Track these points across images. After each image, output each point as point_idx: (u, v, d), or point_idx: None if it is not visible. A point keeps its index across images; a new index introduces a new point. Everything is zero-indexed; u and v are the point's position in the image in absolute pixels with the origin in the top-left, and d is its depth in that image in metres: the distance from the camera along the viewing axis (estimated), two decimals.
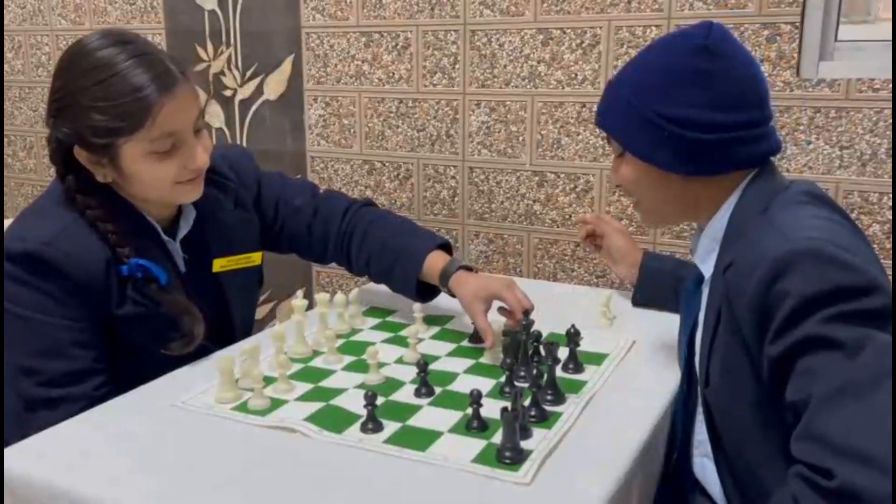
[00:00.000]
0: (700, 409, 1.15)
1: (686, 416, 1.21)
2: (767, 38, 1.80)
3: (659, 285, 1.55)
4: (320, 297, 1.48)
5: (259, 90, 2.45)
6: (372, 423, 1.11)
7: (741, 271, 0.99)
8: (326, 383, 1.28)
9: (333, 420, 1.14)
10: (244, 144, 2.49)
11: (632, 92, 1.11)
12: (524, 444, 1.04)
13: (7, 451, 1.07)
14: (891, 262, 1.75)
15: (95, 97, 1.20)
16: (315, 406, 1.18)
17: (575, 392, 1.21)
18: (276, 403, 1.20)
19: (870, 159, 1.76)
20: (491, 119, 2.12)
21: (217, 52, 2.49)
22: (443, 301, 1.52)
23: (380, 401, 1.16)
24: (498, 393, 1.22)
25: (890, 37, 1.74)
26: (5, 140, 2.98)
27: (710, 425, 1.12)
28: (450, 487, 0.98)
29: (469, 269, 1.45)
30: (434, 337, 1.47)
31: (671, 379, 1.26)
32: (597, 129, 1.24)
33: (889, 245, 1.77)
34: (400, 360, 1.36)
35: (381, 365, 1.30)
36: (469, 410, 1.11)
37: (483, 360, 1.36)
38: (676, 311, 1.32)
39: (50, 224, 1.25)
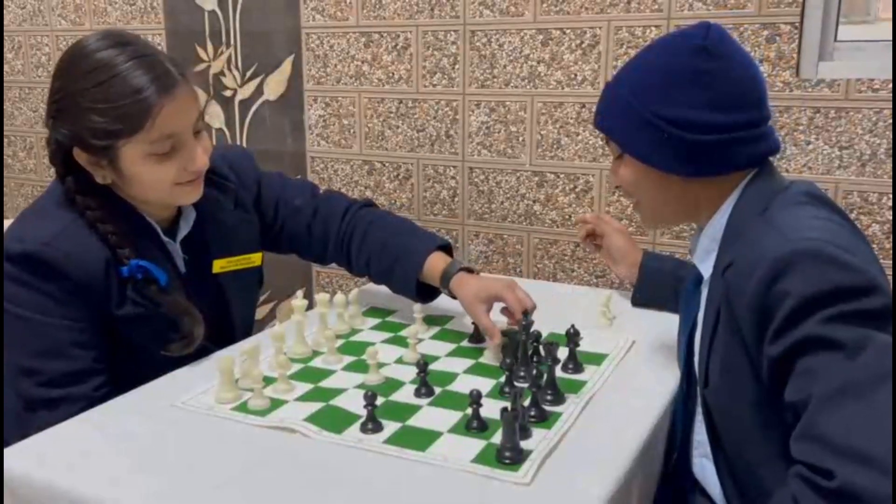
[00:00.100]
0: (699, 410, 1.15)
1: (686, 417, 1.21)
2: (767, 39, 1.80)
3: (659, 285, 1.55)
4: (320, 297, 1.48)
5: (259, 90, 2.45)
6: (372, 424, 1.11)
7: (741, 271, 0.99)
8: (326, 383, 1.28)
9: (333, 420, 1.14)
10: (244, 145, 2.49)
11: (630, 93, 1.11)
12: (524, 445, 1.04)
13: (7, 452, 1.07)
14: (891, 262, 1.75)
15: (95, 99, 1.20)
16: (315, 406, 1.19)
17: (575, 392, 1.22)
18: (276, 404, 1.20)
19: (869, 159, 1.76)
20: (491, 119, 2.12)
21: (217, 52, 2.49)
22: (442, 301, 1.52)
23: (379, 401, 1.16)
24: (498, 393, 1.22)
25: (890, 37, 1.74)
26: (5, 140, 2.98)
27: (709, 425, 1.12)
28: (449, 487, 0.98)
29: (470, 270, 1.45)
30: (434, 337, 1.47)
31: (671, 379, 1.26)
32: (596, 130, 1.24)
33: (889, 245, 1.77)
34: (400, 361, 1.36)
35: (380, 365, 1.30)
36: (469, 410, 1.11)
37: (483, 360, 1.36)
38: (676, 312, 1.32)
39: (49, 224, 1.25)
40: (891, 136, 1.73)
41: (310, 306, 1.54)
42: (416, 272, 1.47)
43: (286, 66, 2.38)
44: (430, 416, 1.16)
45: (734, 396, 1.05)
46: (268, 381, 1.25)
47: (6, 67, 2.91)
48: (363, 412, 1.12)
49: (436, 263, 1.46)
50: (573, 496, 0.97)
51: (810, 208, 1.03)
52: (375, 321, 1.56)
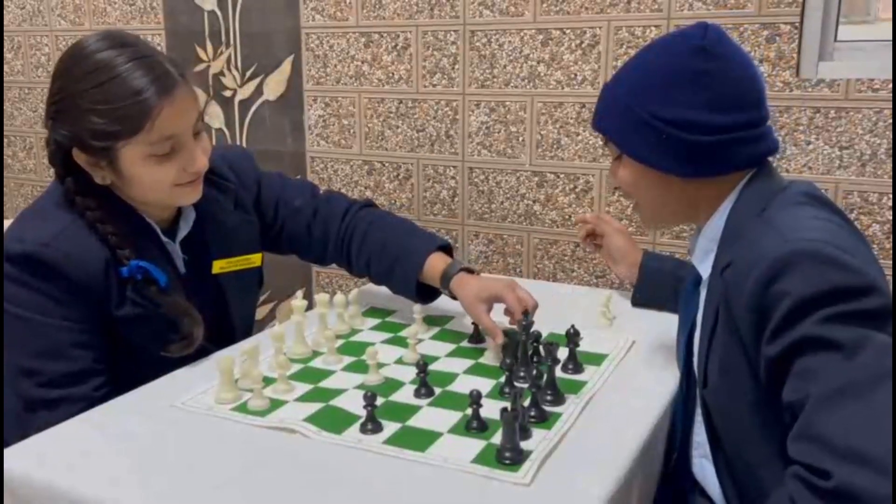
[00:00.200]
0: (699, 410, 1.15)
1: (685, 417, 1.21)
2: (767, 39, 1.80)
3: (659, 285, 1.55)
4: (320, 297, 1.48)
5: (259, 91, 2.45)
6: (371, 424, 1.11)
7: (739, 271, 0.99)
8: (326, 384, 1.28)
9: (333, 420, 1.14)
10: (244, 145, 2.49)
11: (628, 94, 1.11)
12: (524, 445, 1.04)
13: (7, 452, 1.07)
14: (891, 262, 1.75)
15: (94, 100, 1.20)
16: (314, 406, 1.19)
17: (574, 392, 1.21)
18: (276, 404, 1.20)
19: (869, 159, 1.76)
20: (490, 119, 2.12)
21: (217, 52, 2.49)
22: (442, 301, 1.52)
23: (379, 401, 1.16)
24: (497, 393, 1.22)
25: (890, 37, 1.74)
26: (5, 141, 2.98)
27: (708, 426, 1.12)
28: (449, 488, 0.98)
29: (470, 270, 1.45)
30: (434, 337, 1.47)
31: (671, 379, 1.26)
32: (595, 131, 1.24)
33: (889, 245, 1.77)
34: (399, 361, 1.36)
35: (380, 365, 1.30)
36: (469, 411, 1.11)
37: (483, 360, 1.36)
38: (676, 312, 1.32)
39: (49, 225, 1.25)
40: (891, 136, 1.73)
41: (310, 306, 1.54)
42: (416, 273, 1.47)
43: (286, 66, 2.38)
44: (430, 417, 1.16)
45: (733, 397, 1.05)
46: (267, 381, 1.25)
47: (6, 68, 2.91)
48: (363, 412, 1.12)
49: (436, 264, 1.45)
50: (573, 496, 0.97)
51: (809, 209, 1.03)
52: (375, 321, 1.56)
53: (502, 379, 1.23)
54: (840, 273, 0.91)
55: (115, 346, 1.29)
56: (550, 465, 1.02)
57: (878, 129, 1.74)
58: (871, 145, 1.75)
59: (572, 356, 1.30)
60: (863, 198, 1.78)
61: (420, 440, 1.08)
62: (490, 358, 1.35)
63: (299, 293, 1.50)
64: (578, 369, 1.29)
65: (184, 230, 1.39)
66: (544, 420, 1.13)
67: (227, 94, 2.50)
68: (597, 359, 1.34)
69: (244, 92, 2.48)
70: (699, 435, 1.18)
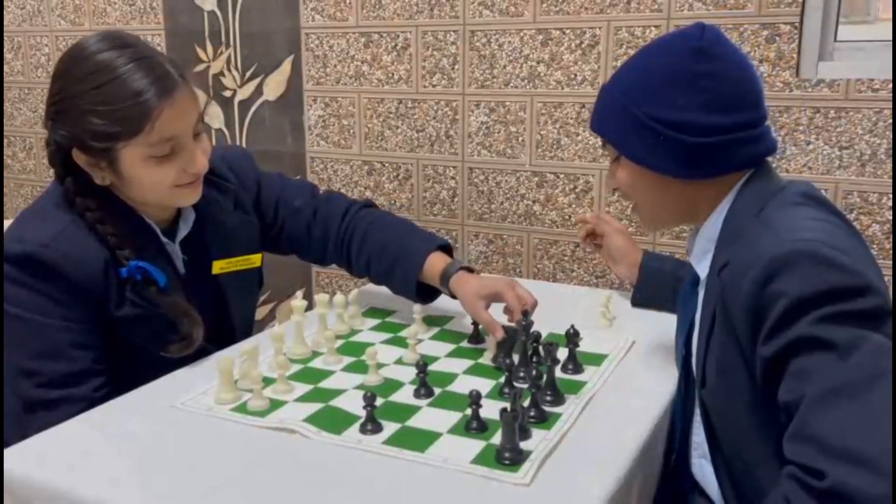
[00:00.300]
0: (698, 410, 1.15)
1: (684, 417, 1.21)
2: (767, 39, 1.80)
3: (658, 285, 1.55)
4: (320, 297, 1.48)
5: (258, 91, 2.45)
6: (371, 424, 1.11)
7: (736, 272, 0.99)
8: (326, 384, 1.28)
9: (333, 421, 1.14)
10: (244, 145, 2.49)
11: (626, 96, 1.11)
12: (523, 445, 1.04)
13: (7, 452, 1.07)
14: (891, 262, 1.75)
15: (94, 101, 1.20)
16: (314, 407, 1.18)
17: (574, 393, 1.21)
18: (276, 404, 1.20)
19: (869, 159, 1.76)
20: (490, 119, 2.12)
21: (216, 52, 2.49)
22: (442, 302, 1.52)
23: (379, 402, 1.16)
24: (497, 394, 1.22)
25: (890, 37, 1.74)
26: (5, 141, 2.98)
27: (707, 426, 1.12)
28: (449, 488, 0.98)
29: (470, 270, 1.45)
30: (433, 338, 1.47)
31: (670, 379, 1.26)
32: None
33: (889, 245, 1.77)
34: (399, 361, 1.36)
35: (380, 366, 1.30)
36: (468, 411, 1.11)
37: (482, 360, 1.36)
38: (676, 312, 1.32)
39: (48, 225, 1.25)
40: (891, 136, 1.73)
41: (309, 307, 1.54)
42: (416, 273, 1.47)
43: (286, 66, 2.38)
44: (430, 417, 1.16)
45: (730, 397, 1.05)
46: (267, 381, 1.25)
47: (6, 68, 2.91)
48: (363, 413, 1.12)
49: (435, 263, 1.46)
50: (573, 497, 0.97)
51: (807, 209, 1.03)
52: (375, 322, 1.56)
53: (502, 379, 1.23)
54: (836, 273, 0.91)
55: (114, 346, 1.29)
56: (550, 466, 1.02)
57: (878, 129, 1.74)
58: (870, 145, 1.75)
59: (572, 356, 1.30)
60: (862, 198, 1.78)
61: (420, 440, 1.08)
62: (490, 358, 1.35)
63: (299, 293, 1.51)
64: (578, 369, 1.29)
65: (183, 231, 1.39)
66: (544, 420, 1.12)
67: (227, 94, 2.50)
68: (596, 359, 1.34)
69: (244, 92, 2.48)
70: (698, 435, 1.18)
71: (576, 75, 2.00)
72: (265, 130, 2.47)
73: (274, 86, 2.42)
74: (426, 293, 1.51)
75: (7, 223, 1.39)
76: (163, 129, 1.21)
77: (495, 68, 2.09)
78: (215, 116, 2.53)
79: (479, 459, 1.03)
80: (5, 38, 2.89)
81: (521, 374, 1.25)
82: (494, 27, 2.07)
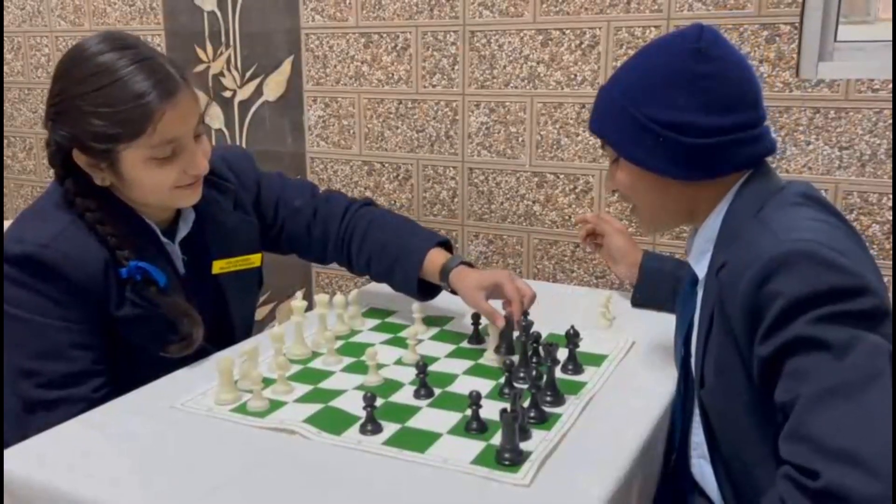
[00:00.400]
0: (697, 411, 1.15)
1: (684, 418, 1.21)
2: (767, 39, 1.80)
3: (659, 286, 1.55)
4: (319, 298, 1.48)
5: (258, 91, 2.45)
6: (371, 425, 1.11)
7: (734, 272, 0.99)
8: (325, 385, 1.28)
9: (332, 421, 1.14)
10: (244, 146, 2.49)
11: (625, 97, 1.11)
12: (523, 446, 1.04)
13: (7, 453, 1.07)
14: (891, 262, 1.75)
15: (96, 103, 1.20)
16: (314, 407, 1.18)
17: (574, 393, 1.21)
18: (275, 405, 1.20)
19: (869, 160, 1.76)
20: (490, 120, 2.12)
21: (216, 53, 2.49)
22: (442, 302, 1.53)
23: (379, 402, 1.16)
24: (497, 394, 1.22)
25: (890, 37, 1.74)
26: (5, 141, 2.98)
27: (706, 427, 1.12)
28: (449, 489, 0.98)
29: (469, 265, 1.45)
30: (433, 338, 1.47)
31: (670, 380, 1.26)
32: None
33: (889, 245, 1.77)
34: (399, 362, 1.36)
35: (380, 366, 1.30)
36: (468, 412, 1.11)
37: (482, 361, 1.35)
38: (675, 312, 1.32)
39: (48, 226, 1.25)
40: (891, 137, 1.73)
41: (309, 307, 1.54)
42: (416, 271, 1.47)
43: (286, 66, 2.38)
44: (430, 418, 1.15)
45: (729, 397, 1.05)
46: (267, 382, 1.25)
47: (6, 68, 2.91)
48: (362, 413, 1.12)
49: (435, 259, 1.46)
50: (573, 497, 0.97)
51: (805, 209, 1.03)
52: (375, 322, 1.56)
53: (502, 380, 1.23)
54: (833, 274, 0.91)
55: (114, 347, 1.29)
56: (550, 466, 1.02)
57: (878, 129, 1.74)
58: (870, 146, 1.75)
59: (572, 357, 1.30)
60: (862, 198, 1.78)
61: (420, 441, 1.08)
62: (490, 359, 1.35)
63: (299, 294, 1.50)
64: (578, 370, 1.29)
65: (183, 231, 1.39)
66: (544, 421, 1.12)
67: (227, 94, 2.50)
68: (596, 359, 1.34)
69: (244, 92, 2.48)
70: (697, 435, 1.18)
71: (576, 76, 2.00)
72: (265, 131, 2.47)
73: (274, 86, 2.42)
74: (427, 290, 1.51)
75: (7, 223, 1.39)
76: (164, 130, 1.21)
77: (495, 69, 2.09)
78: (215, 117, 2.53)
79: (479, 460, 1.03)
80: (5, 38, 2.89)
81: (521, 375, 1.25)
82: (494, 27, 2.07)
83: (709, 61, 1.07)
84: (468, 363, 1.35)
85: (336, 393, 1.24)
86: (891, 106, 1.71)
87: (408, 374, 1.28)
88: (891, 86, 1.71)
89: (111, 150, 1.22)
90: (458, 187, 2.21)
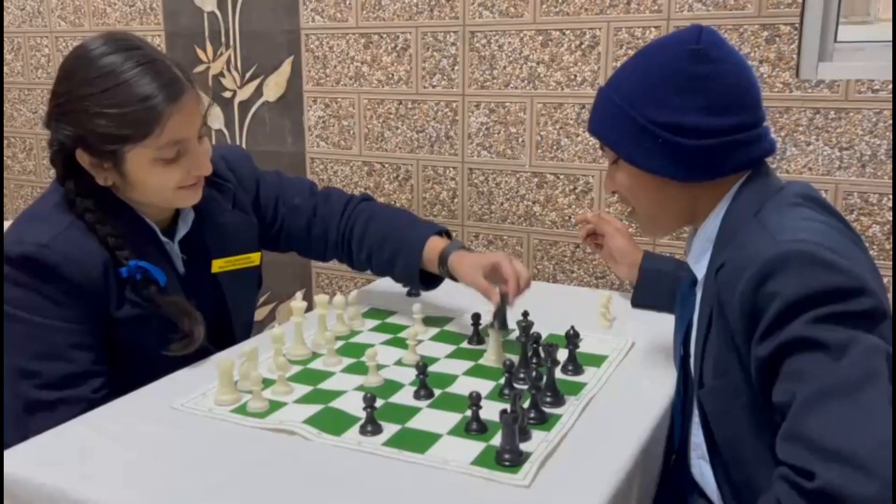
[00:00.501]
0: (696, 412, 1.15)
1: (683, 419, 1.21)
2: (767, 39, 1.80)
3: (659, 286, 1.55)
4: (319, 298, 1.48)
5: (258, 92, 2.45)
6: (371, 426, 1.11)
7: (732, 272, 0.99)
8: (325, 385, 1.27)
9: (332, 422, 1.14)
10: (244, 146, 2.49)
11: (624, 99, 1.10)
12: (523, 447, 1.04)
13: (7, 453, 1.07)
14: (891, 262, 1.75)
15: (103, 104, 1.20)
16: (314, 408, 1.18)
17: (574, 394, 1.21)
18: (275, 405, 1.20)
19: (869, 160, 1.76)
20: (490, 120, 2.12)
21: (216, 53, 2.49)
22: (442, 302, 1.52)
23: (379, 403, 1.16)
24: (497, 395, 1.22)
25: (890, 37, 1.74)
26: (5, 142, 2.98)
27: (705, 427, 1.12)
28: (449, 490, 0.98)
29: (468, 250, 1.47)
30: (433, 338, 1.47)
31: (670, 380, 1.26)
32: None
33: (889, 246, 1.76)
34: (399, 362, 1.36)
35: (380, 367, 1.30)
36: (468, 412, 1.11)
37: (482, 362, 1.35)
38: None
39: (48, 226, 1.25)
40: (891, 137, 1.73)
41: (309, 308, 1.53)
42: (416, 261, 1.48)
43: (286, 67, 2.38)
44: (430, 418, 1.15)
45: (728, 398, 1.05)
46: (267, 382, 1.24)
47: (6, 69, 2.91)
48: (362, 414, 1.12)
49: (434, 246, 1.47)
50: (573, 498, 0.97)
51: (804, 210, 1.03)
52: (375, 322, 1.56)
53: (502, 380, 1.23)
54: (830, 274, 0.91)
55: (114, 347, 1.29)
56: (550, 467, 1.02)
57: (878, 129, 1.74)
58: (870, 146, 1.75)
59: (572, 357, 1.30)
60: (863, 199, 1.78)
61: (420, 442, 1.08)
62: (490, 360, 1.35)
63: (299, 294, 1.50)
64: (578, 371, 1.29)
65: (182, 230, 1.39)
66: (544, 421, 1.12)
67: (227, 95, 2.50)
68: (596, 360, 1.34)
69: (244, 93, 2.47)
70: (697, 436, 1.18)
71: (576, 76, 2.00)
72: (265, 131, 2.47)
73: (274, 87, 2.42)
74: (429, 281, 1.52)
75: (7, 224, 1.39)
76: (171, 132, 1.22)
77: (495, 69, 2.09)
78: (215, 117, 2.53)
79: (479, 461, 1.03)
80: (5, 38, 2.89)
81: (521, 376, 1.25)
82: (494, 28, 2.07)
83: (707, 62, 1.07)
84: (468, 364, 1.35)
85: (336, 394, 1.24)
86: (891, 106, 1.71)
87: (408, 375, 1.28)
88: (891, 86, 1.71)
89: (117, 150, 1.22)
90: (458, 188, 2.21)
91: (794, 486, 0.86)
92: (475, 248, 2.22)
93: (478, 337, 1.43)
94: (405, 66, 2.20)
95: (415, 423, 1.14)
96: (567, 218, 2.09)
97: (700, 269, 1.15)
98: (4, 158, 3.00)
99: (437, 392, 1.23)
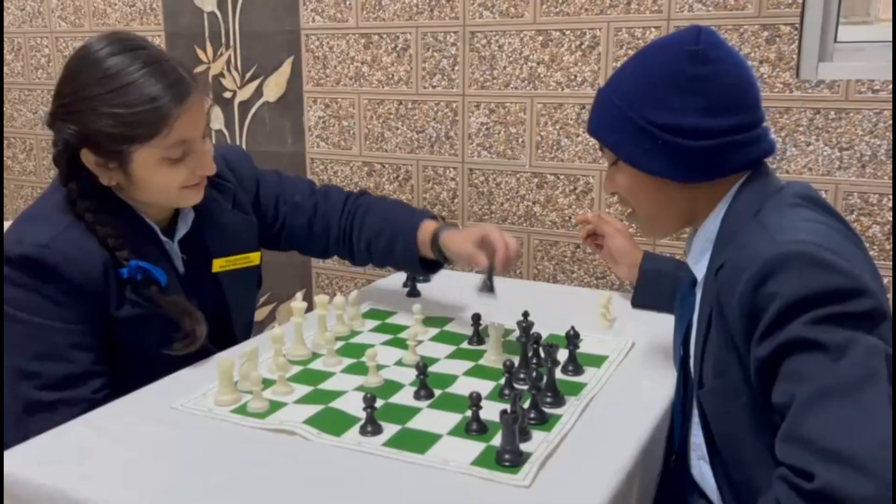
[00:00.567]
0: (696, 412, 1.15)
1: (683, 419, 1.21)
2: (767, 40, 1.80)
3: (659, 286, 1.55)
4: (319, 299, 1.48)
5: (259, 92, 2.45)
6: (371, 426, 1.11)
7: (732, 273, 0.99)
8: (325, 385, 1.27)
9: (332, 422, 1.14)
10: (244, 146, 2.49)
11: (623, 100, 1.10)
12: (524, 447, 1.04)
13: (7, 454, 1.07)
14: (891, 262, 1.75)
15: (112, 104, 1.20)
16: (314, 408, 1.18)
17: (574, 394, 1.21)
18: (275, 406, 1.20)
19: (869, 160, 1.76)
20: (490, 120, 2.12)
21: (216, 53, 2.49)
22: (442, 302, 1.52)
23: (379, 403, 1.16)
24: (497, 395, 1.22)
25: (890, 37, 1.74)
26: (5, 142, 2.98)
27: (705, 428, 1.12)
28: (449, 490, 0.98)
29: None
30: (433, 339, 1.47)
31: (670, 381, 1.26)
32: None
33: (889, 246, 1.76)
34: (399, 363, 1.35)
35: (380, 367, 1.30)
36: (468, 413, 1.11)
37: (483, 362, 1.35)
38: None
39: (47, 227, 1.25)
40: (891, 137, 1.73)
41: (309, 308, 1.53)
42: (414, 245, 1.50)
43: (286, 67, 2.38)
44: (430, 419, 1.15)
45: (727, 399, 1.05)
46: (267, 383, 1.24)
47: (6, 69, 2.91)
48: (362, 414, 1.12)
49: (427, 228, 1.50)
50: (573, 499, 0.96)
51: (803, 210, 1.03)
52: (375, 323, 1.56)
53: (502, 381, 1.23)
54: (829, 275, 0.91)
55: (114, 347, 1.29)
56: (550, 467, 1.02)
57: (878, 130, 1.74)
58: (871, 146, 1.75)
59: (572, 358, 1.30)
60: (863, 199, 1.78)
61: (420, 442, 1.08)
62: (490, 360, 1.35)
63: (299, 295, 1.50)
64: (578, 371, 1.29)
65: (182, 230, 1.39)
66: (544, 422, 1.12)
67: (227, 95, 2.50)
68: (597, 360, 1.34)
69: (244, 93, 2.48)
70: (697, 437, 1.18)
71: (576, 76, 2.00)
72: (265, 132, 2.47)
73: (274, 87, 2.42)
74: (430, 267, 1.54)
75: (7, 224, 1.39)
76: (179, 132, 1.23)
77: (495, 69, 2.09)
78: (215, 117, 2.53)
79: (480, 461, 1.03)
80: (5, 39, 2.89)
81: (522, 376, 1.25)
82: (494, 28, 2.07)
83: (706, 63, 1.07)
84: (468, 364, 1.35)
85: (336, 394, 1.24)
86: (891, 106, 1.71)
87: (408, 375, 1.28)
88: (891, 86, 1.71)
89: (124, 150, 1.23)
90: (459, 188, 2.21)
91: (793, 487, 0.86)
92: None
93: (478, 337, 1.43)
94: (405, 67, 2.20)
95: (415, 423, 1.14)
96: (567, 218, 2.09)
97: (700, 270, 1.14)
98: (4, 159, 3.00)
99: (437, 392, 1.23)
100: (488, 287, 1.36)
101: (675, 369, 1.26)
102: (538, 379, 1.15)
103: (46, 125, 1.29)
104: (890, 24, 1.81)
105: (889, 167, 1.74)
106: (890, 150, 1.73)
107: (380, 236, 1.54)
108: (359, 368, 1.32)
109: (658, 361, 1.34)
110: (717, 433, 1.09)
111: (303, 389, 1.26)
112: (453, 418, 1.15)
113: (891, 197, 1.75)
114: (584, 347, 1.37)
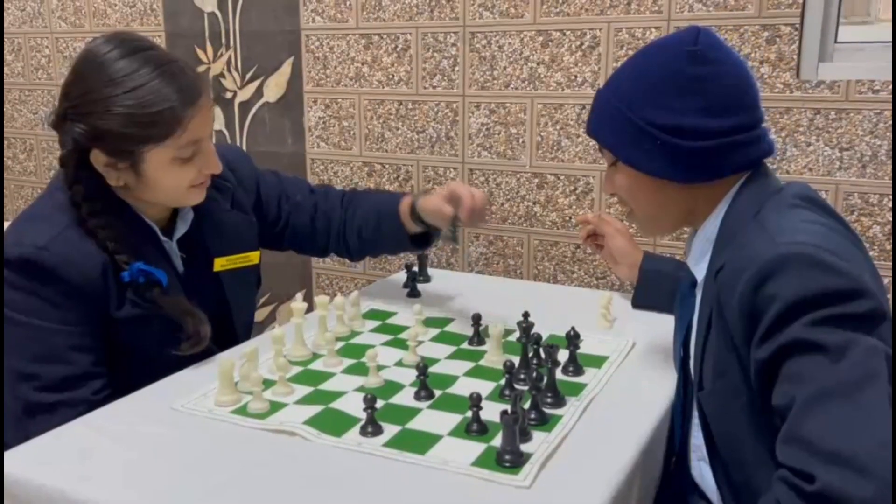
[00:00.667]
0: (696, 413, 1.15)
1: (683, 420, 1.21)
2: (767, 40, 1.80)
3: (660, 287, 1.54)
4: (320, 299, 1.48)
5: (259, 92, 2.45)
6: (371, 427, 1.11)
7: (731, 274, 0.99)
8: (326, 386, 1.27)
9: (333, 423, 1.14)
10: (244, 147, 2.49)
11: (622, 101, 1.10)
12: (524, 448, 1.04)
13: (7, 454, 1.07)
14: (891, 263, 1.74)
15: (126, 104, 1.21)
16: (314, 409, 1.18)
17: (575, 395, 1.21)
18: (276, 406, 1.20)
19: (870, 161, 1.76)
20: (491, 121, 2.12)
21: (217, 54, 2.49)
22: (442, 302, 1.52)
23: (379, 404, 1.16)
24: (498, 396, 1.22)
25: (890, 38, 1.74)
26: (5, 143, 2.98)
27: (705, 429, 1.12)
28: (449, 491, 0.98)
29: None
30: (434, 339, 1.47)
31: (670, 382, 1.26)
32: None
33: (889, 246, 1.76)
34: (399, 363, 1.35)
35: (380, 368, 1.30)
36: (469, 413, 1.11)
37: (483, 362, 1.35)
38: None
39: (46, 228, 1.25)
40: (891, 138, 1.73)
41: (309, 309, 1.53)
42: (398, 219, 1.54)
43: (286, 67, 2.38)
44: (430, 419, 1.15)
45: (727, 400, 1.05)
46: (267, 383, 1.24)
47: (6, 70, 2.91)
48: (363, 415, 1.12)
49: (406, 202, 1.54)
50: (573, 499, 0.96)
51: (802, 211, 1.02)
52: (375, 323, 1.56)
53: (502, 381, 1.23)
54: (829, 276, 0.91)
55: (114, 347, 1.29)
56: (551, 468, 1.02)
57: (879, 130, 1.74)
58: (871, 147, 1.75)
59: (573, 358, 1.30)
60: (863, 199, 1.78)
61: (420, 443, 1.08)
62: (491, 360, 1.35)
63: (299, 295, 1.51)
64: (579, 371, 1.29)
65: (181, 229, 1.40)
66: (544, 422, 1.12)
67: (228, 95, 2.50)
68: (597, 361, 1.34)
69: (244, 94, 2.47)
70: (697, 438, 1.18)
71: (576, 77, 2.00)
72: (265, 132, 2.47)
73: (274, 87, 2.42)
74: (420, 243, 1.58)
75: (7, 224, 1.39)
76: (191, 132, 1.25)
77: (495, 70, 2.09)
78: (216, 118, 2.53)
79: (480, 462, 1.03)
80: (5, 39, 2.89)
81: (522, 377, 1.25)
82: (494, 28, 2.07)
83: (705, 64, 1.07)
84: (469, 365, 1.35)
85: (336, 394, 1.24)
86: (891, 107, 1.71)
87: (408, 376, 1.28)
88: (891, 87, 1.71)
89: (136, 150, 1.24)
90: None
91: (793, 489, 0.86)
92: (476, 248, 2.22)
93: (478, 338, 1.43)
94: (405, 67, 2.20)
95: (415, 423, 1.14)
96: (567, 218, 2.09)
97: (700, 271, 1.14)
98: (4, 159, 3.00)
99: (437, 393, 1.23)
100: (451, 236, 1.41)
101: (675, 370, 1.26)
102: (538, 379, 1.15)
103: (51, 126, 1.29)
104: (890, 25, 1.81)
105: (889, 167, 1.74)
106: (890, 151, 1.73)
107: (368, 222, 1.59)
108: (359, 369, 1.32)
109: (658, 362, 1.34)
110: (717, 434, 1.09)
111: (303, 390, 1.26)
112: (454, 419, 1.15)
113: (891, 197, 1.75)
114: (585, 348, 1.37)
